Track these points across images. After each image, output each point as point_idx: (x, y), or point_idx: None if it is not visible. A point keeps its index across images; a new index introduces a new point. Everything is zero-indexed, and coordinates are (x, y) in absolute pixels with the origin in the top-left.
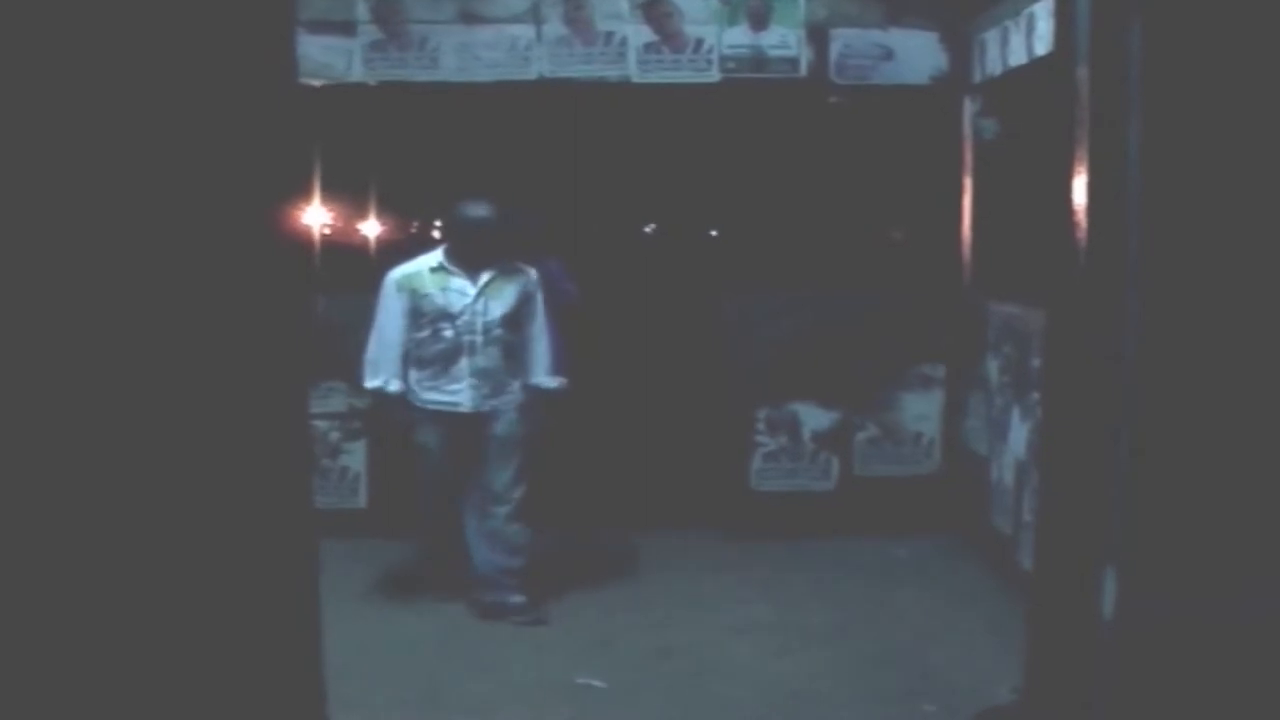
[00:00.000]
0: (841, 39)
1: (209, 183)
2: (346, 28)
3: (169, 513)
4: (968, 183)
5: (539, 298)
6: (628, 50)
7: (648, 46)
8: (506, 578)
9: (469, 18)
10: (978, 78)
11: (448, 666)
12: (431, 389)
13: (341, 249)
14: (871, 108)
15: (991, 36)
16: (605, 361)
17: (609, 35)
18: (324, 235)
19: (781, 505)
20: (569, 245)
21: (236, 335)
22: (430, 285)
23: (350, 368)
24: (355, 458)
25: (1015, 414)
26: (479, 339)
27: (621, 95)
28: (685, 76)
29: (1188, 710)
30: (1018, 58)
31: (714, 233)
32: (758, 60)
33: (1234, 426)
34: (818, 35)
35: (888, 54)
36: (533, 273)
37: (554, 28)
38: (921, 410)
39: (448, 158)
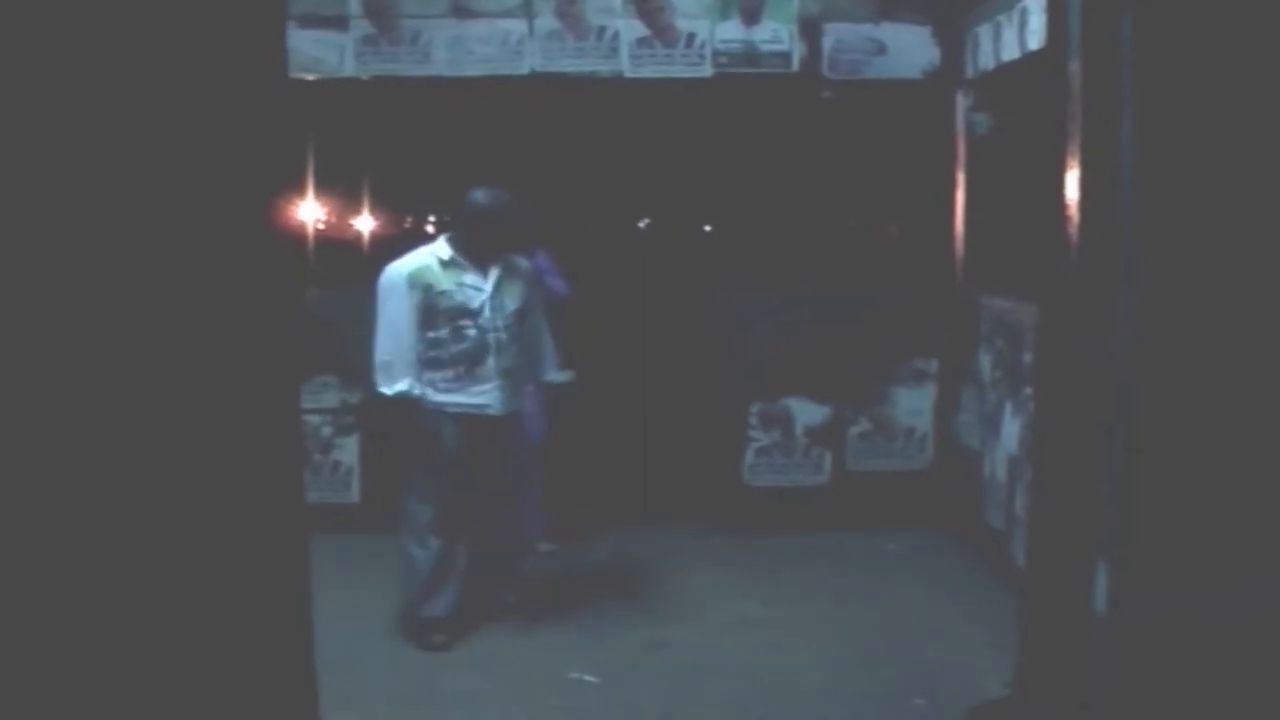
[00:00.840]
0: (834, 33)
1: (200, 178)
2: (338, 22)
3: (160, 508)
4: (960, 177)
5: (537, 291)
6: (620, 45)
7: (640, 41)
8: (506, 577)
9: (461, 12)
10: (970, 72)
11: (440, 661)
12: (454, 391)
13: (334, 243)
14: (864, 102)
15: (984, 31)
16: (598, 357)
17: (601, 30)
18: (317, 230)
19: (774, 500)
20: (562, 240)
21: (228, 330)
22: (446, 281)
23: (343, 362)
24: (348, 452)
25: (1008, 409)
26: (503, 336)
27: (614, 90)
28: (678, 71)
29: (1180, 706)
30: (1010, 52)
31: (707, 228)
32: (750, 55)
33: (1228, 421)
34: (810, 30)
35: (880, 48)
36: (528, 265)
37: (546, 22)
38: (914, 405)
39: (440, 152)
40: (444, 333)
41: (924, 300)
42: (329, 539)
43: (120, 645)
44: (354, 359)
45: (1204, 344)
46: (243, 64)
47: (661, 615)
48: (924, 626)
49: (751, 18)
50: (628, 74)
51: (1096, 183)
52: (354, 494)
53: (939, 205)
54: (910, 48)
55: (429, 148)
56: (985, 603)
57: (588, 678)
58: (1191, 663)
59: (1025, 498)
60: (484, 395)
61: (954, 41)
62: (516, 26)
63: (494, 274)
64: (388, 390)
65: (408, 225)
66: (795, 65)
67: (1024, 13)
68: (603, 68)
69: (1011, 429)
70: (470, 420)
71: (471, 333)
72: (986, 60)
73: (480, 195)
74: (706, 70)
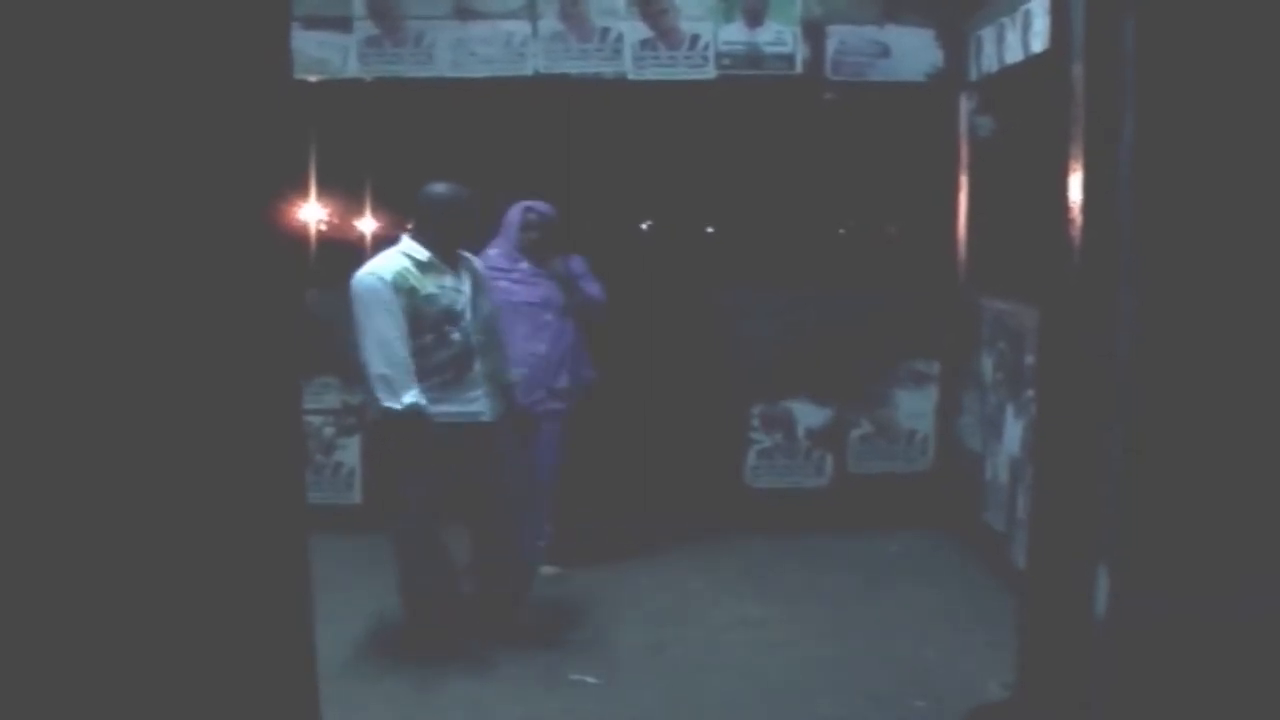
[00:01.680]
0: (837, 35)
1: (204, 178)
2: (342, 23)
3: (161, 508)
4: (963, 180)
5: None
6: (623, 46)
7: (643, 43)
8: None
9: (464, 13)
10: (974, 75)
11: (440, 663)
12: (442, 400)
13: (336, 244)
14: (867, 105)
15: (988, 33)
16: (601, 358)
17: (605, 31)
18: (319, 230)
19: (776, 502)
20: (565, 242)
21: (230, 330)
22: (429, 284)
23: (344, 363)
24: (349, 453)
25: (1009, 411)
26: (483, 339)
27: (617, 91)
28: (681, 73)
29: (1180, 706)
30: (1014, 55)
31: (709, 230)
32: (753, 57)
33: (1228, 423)
34: (814, 32)
35: (884, 51)
36: (479, 262)
37: (549, 23)
38: (916, 407)
39: (443, 153)
40: (428, 339)
41: (926, 302)
42: (330, 540)
43: (121, 645)
44: (355, 360)
45: (1204, 345)
46: (247, 65)
47: (662, 616)
48: (924, 627)
49: (755, 20)
50: (631, 76)
51: (1099, 185)
52: (355, 495)
53: (941, 207)
54: (913, 50)
55: (432, 149)
56: (985, 603)
57: (588, 679)
58: (1192, 663)
59: (1026, 500)
60: (475, 402)
61: (957, 44)
62: (520, 28)
63: (465, 275)
64: (395, 404)
65: (409, 227)
66: (798, 67)
67: (1027, 15)
68: (606, 69)
69: (1013, 431)
70: (463, 429)
71: (456, 337)
72: (990, 63)
73: (441, 188)
74: (710, 72)
